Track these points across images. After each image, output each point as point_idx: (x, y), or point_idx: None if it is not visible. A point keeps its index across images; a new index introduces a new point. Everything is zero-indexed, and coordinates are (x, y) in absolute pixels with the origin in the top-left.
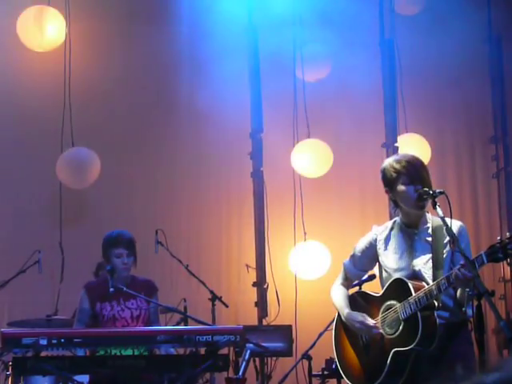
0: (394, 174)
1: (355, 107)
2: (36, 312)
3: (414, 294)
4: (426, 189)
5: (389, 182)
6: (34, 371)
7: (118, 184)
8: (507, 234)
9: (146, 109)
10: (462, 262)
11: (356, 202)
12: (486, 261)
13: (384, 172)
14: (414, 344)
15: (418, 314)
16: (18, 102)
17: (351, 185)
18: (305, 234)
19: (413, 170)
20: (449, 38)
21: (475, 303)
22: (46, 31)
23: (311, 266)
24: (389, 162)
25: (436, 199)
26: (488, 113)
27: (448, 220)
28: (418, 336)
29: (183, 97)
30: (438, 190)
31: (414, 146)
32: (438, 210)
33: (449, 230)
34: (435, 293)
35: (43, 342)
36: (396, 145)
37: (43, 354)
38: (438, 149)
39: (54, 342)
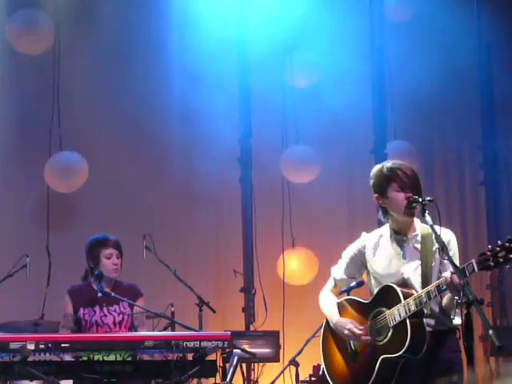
0: (386, 181)
1: (344, 113)
2: (23, 316)
3: (403, 301)
4: (416, 196)
5: (380, 188)
6: (21, 376)
7: (106, 188)
8: (498, 242)
9: (134, 114)
10: (451, 269)
11: (344, 208)
12: (476, 269)
13: (375, 178)
14: (403, 351)
15: (407, 321)
16: (6, 106)
17: (339, 191)
18: (293, 239)
19: (405, 178)
20: (438, 45)
21: (464, 311)
22: (35, 34)
23: (299, 271)
24: (380, 168)
25: (425, 207)
26: (476, 120)
27: (437, 228)
28: (407, 343)
29: (173, 101)
30: (427, 198)
31: (402, 152)
32: (427, 217)
33: (438, 238)
34: (425, 300)
35: (31, 346)
36: (385, 151)
37: (30, 358)
38: (427, 156)
39: (42, 346)
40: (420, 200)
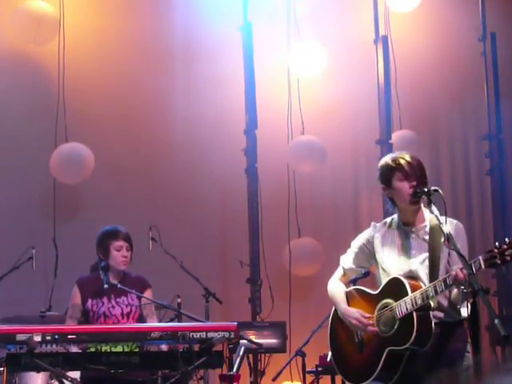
0: (390, 171)
1: (349, 103)
2: (30, 308)
3: (410, 294)
4: (421, 186)
5: (385, 178)
6: (28, 367)
7: (112, 180)
8: (506, 239)
9: (140, 105)
10: (458, 265)
11: (350, 198)
12: (483, 266)
13: (381, 169)
14: (409, 344)
15: (414, 314)
16: (11, 98)
17: (345, 181)
18: (299, 230)
19: (408, 167)
20: (443, 35)
21: (470, 300)
22: (39, 26)
23: (305, 262)
24: (386, 159)
25: (431, 197)
26: (482, 109)
27: (442, 218)
28: (413, 336)
29: (178, 93)
30: (432, 188)
31: (408, 142)
32: (433, 207)
33: (443, 228)
34: (431, 294)
35: (37, 338)
36: (390, 142)
37: (37, 350)
38: (432, 145)
39: (49, 338)
40: (425, 190)
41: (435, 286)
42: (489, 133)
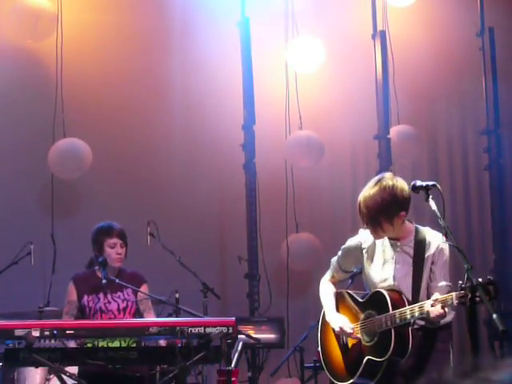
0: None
1: (347, 98)
2: (28, 303)
3: (390, 311)
4: (419, 181)
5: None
6: (27, 363)
7: (110, 175)
8: (479, 279)
9: (138, 100)
10: (434, 297)
11: (348, 193)
12: (455, 302)
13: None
14: (386, 357)
15: (392, 330)
16: (9, 93)
17: (343, 176)
18: (297, 225)
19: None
20: (441, 30)
21: (468, 296)
22: (37, 22)
23: (303, 257)
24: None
25: (429, 192)
26: (481, 104)
27: (429, 234)
28: (390, 351)
29: (176, 89)
30: (430, 183)
31: (406, 137)
32: (431, 202)
33: (440, 222)
34: (408, 317)
35: (36, 333)
36: (388, 137)
37: (35, 345)
38: (431, 141)
39: (47, 333)
40: (423, 184)
41: (412, 311)
42: (487, 128)
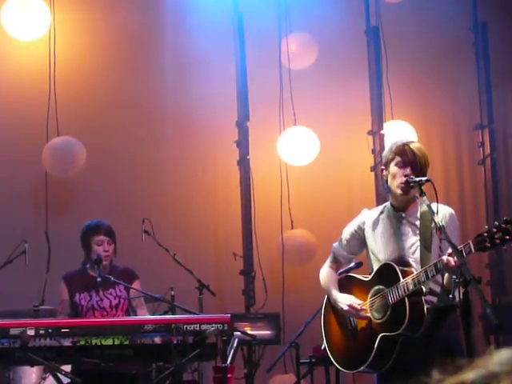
0: (392, 154)
1: (341, 94)
2: (23, 302)
3: (401, 280)
4: (413, 176)
5: (386, 159)
6: (22, 362)
7: (104, 173)
8: (495, 222)
9: (131, 98)
10: (449, 251)
11: (343, 189)
12: (473, 250)
13: (386, 150)
14: (402, 329)
15: (406, 299)
16: (2, 91)
17: (338, 172)
18: (292, 221)
19: (409, 154)
20: (435, 25)
21: (462, 290)
22: (30, 20)
23: (298, 253)
24: (396, 141)
25: (422, 187)
26: (474, 99)
27: (434, 206)
28: (406, 321)
29: (169, 86)
30: (424, 178)
31: (400, 133)
32: (425, 198)
33: (435, 219)
34: (423, 279)
35: (31, 332)
36: (382, 132)
37: (30, 344)
38: (424, 136)
39: (42, 332)
40: (417, 180)
41: (426, 271)
42: (481, 122)
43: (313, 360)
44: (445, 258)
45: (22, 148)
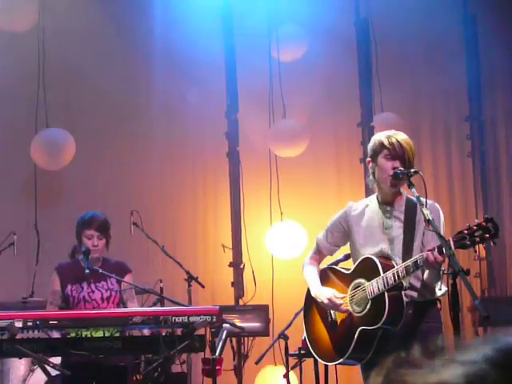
0: (380, 147)
1: (331, 87)
2: (12, 294)
3: (382, 274)
4: (402, 168)
5: (372, 152)
6: (10, 354)
7: (93, 165)
8: (476, 220)
9: (120, 89)
10: (430, 246)
11: (332, 181)
12: (453, 247)
13: (373, 142)
14: (381, 323)
15: (385, 293)
16: None
17: (327, 164)
18: (281, 213)
19: (397, 147)
20: (424, 18)
21: (450, 281)
22: (19, 11)
23: (288, 245)
24: (381, 134)
25: (411, 179)
26: (463, 92)
27: (423, 200)
28: (385, 316)
29: (159, 78)
30: (412, 170)
31: (389, 125)
32: (413, 190)
33: (423, 210)
34: (403, 274)
35: (18, 324)
36: (372, 124)
37: (18, 336)
38: (414, 128)
39: (30, 324)
40: (406, 172)
41: (407, 266)
42: (470, 114)
43: (302, 352)
44: (425, 253)
45: (11, 140)
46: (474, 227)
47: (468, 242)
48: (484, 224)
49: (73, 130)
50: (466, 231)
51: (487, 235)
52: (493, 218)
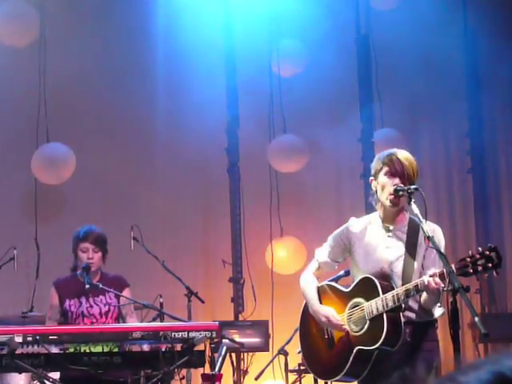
0: (380, 164)
1: (331, 102)
2: (12, 309)
3: (381, 296)
4: (402, 185)
5: (375, 170)
6: (9, 369)
7: (94, 180)
8: (479, 248)
9: (121, 104)
10: (431, 272)
11: (332, 196)
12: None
13: (375, 160)
14: (378, 344)
15: (384, 315)
16: None
17: (327, 180)
18: (281, 229)
19: (397, 164)
20: (424, 34)
21: (450, 298)
22: (20, 26)
23: (287, 261)
24: (383, 152)
25: (411, 196)
26: (463, 107)
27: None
28: (382, 337)
29: (159, 93)
30: (412, 187)
31: (390, 140)
32: (413, 206)
33: (423, 226)
34: (402, 298)
35: (18, 339)
36: (372, 140)
37: (18, 351)
38: (414, 143)
39: (30, 339)
40: (405, 188)
41: (407, 290)
42: (470, 130)
43: (301, 367)
44: (426, 279)
45: (12, 155)
46: (477, 255)
47: (470, 271)
48: (487, 253)
49: (73, 144)
50: (468, 259)
51: (490, 265)
52: (496, 247)
